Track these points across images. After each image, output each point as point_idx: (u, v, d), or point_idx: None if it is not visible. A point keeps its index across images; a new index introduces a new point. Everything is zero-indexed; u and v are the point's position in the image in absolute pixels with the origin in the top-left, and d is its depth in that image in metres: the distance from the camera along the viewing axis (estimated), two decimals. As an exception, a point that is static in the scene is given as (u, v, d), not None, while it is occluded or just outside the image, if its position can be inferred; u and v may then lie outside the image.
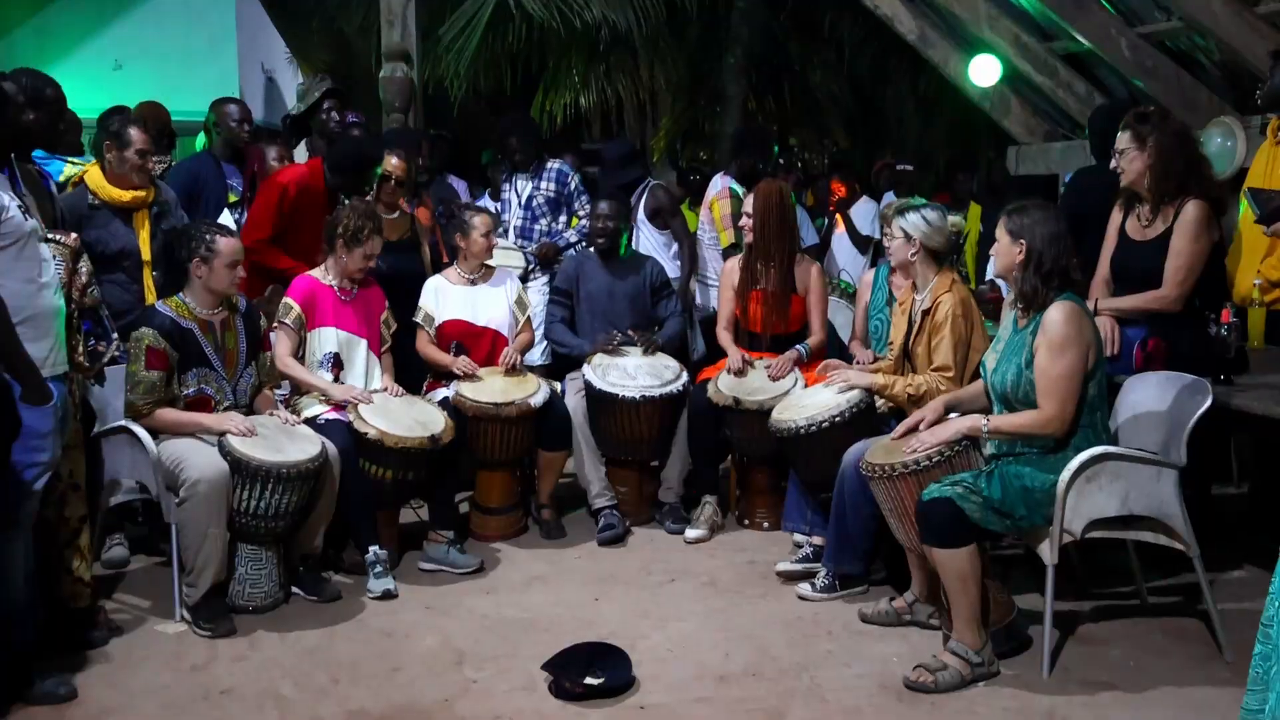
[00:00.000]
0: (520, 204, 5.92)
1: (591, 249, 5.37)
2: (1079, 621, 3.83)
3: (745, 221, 4.94)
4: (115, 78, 9.75)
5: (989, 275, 5.88)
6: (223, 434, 3.91)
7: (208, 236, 4.00)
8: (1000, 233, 3.49)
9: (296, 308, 4.47)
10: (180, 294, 4.07)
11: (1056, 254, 3.36)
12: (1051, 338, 3.32)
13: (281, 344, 4.44)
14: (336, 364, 4.50)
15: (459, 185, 7.20)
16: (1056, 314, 3.33)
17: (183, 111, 6.88)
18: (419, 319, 4.92)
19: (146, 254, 4.43)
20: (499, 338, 4.98)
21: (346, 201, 4.80)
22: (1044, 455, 3.42)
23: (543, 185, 5.92)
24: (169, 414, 3.93)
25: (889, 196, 8.12)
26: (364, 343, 4.58)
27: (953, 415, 3.74)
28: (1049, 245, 3.36)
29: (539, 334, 5.39)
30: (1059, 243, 3.37)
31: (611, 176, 6.01)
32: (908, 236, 4.12)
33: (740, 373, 4.80)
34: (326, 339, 4.52)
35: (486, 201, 6.53)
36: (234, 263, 4.02)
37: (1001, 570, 3.94)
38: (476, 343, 4.93)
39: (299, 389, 4.51)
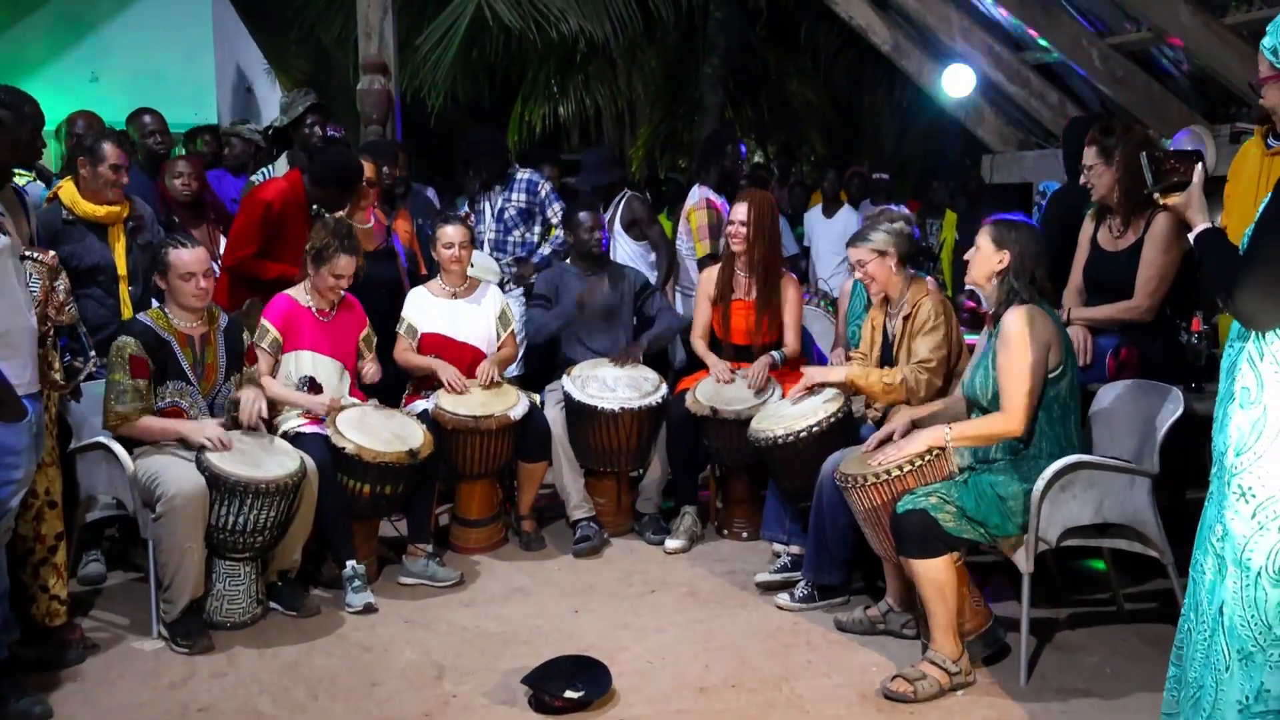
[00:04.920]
0: (493, 216, 5.93)
1: (568, 260, 5.37)
2: (1056, 629, 3.86)
3: (737, 230, 4.87)
4: (92, 90, 9.69)
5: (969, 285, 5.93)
6: (200, 446, 3.87)
7: (162, 250, 4.00)
8: (984, 240, 3.53)
9: (274, 331, 4.43)
10: (162, 306, 4.06)
11: (1034, 268, 3.45)
12: (1004, 338, 3.39)
13: (262, 367, 4.36)
14: (313, 387, 4.43)
15: (428, 193, 7.16)
16: (1011, 315, 3.40)
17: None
18: (401, 329, 4.91)
19: (122, 268, 4.43)
20: (478, 354, 4.95)
21: (323, 215, 4.78)
22: (1017, 464, 3.46)
23: (513, 196, 5.93)
24: (148, 420, 3.90)
25: (866, 205, 8.19)
26: (340, 365, 4.56)
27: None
28: (1032, 259, 3.45)
29: (522, 349, 5.36)
30: (1040, 260, 3.46)
31: (592, 177, 6.05)
32: (881, 253, 4.10)
33: (729, 380, 4.80)
34: (303, 362, 4.48)
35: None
36: (187, 274, 3.95)
37: (980, 578, 3.96)
38: (455, 358, 4.89)
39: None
